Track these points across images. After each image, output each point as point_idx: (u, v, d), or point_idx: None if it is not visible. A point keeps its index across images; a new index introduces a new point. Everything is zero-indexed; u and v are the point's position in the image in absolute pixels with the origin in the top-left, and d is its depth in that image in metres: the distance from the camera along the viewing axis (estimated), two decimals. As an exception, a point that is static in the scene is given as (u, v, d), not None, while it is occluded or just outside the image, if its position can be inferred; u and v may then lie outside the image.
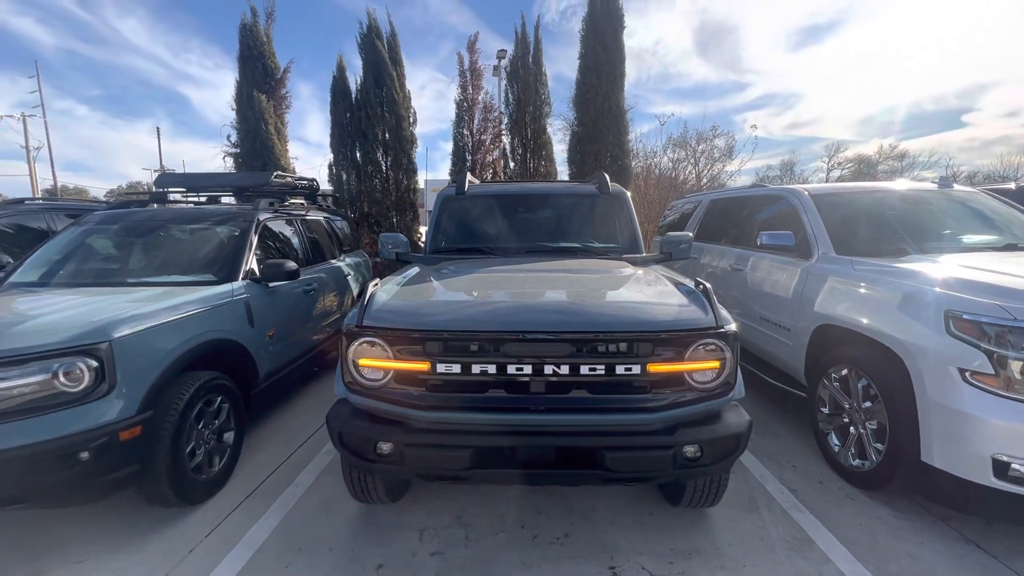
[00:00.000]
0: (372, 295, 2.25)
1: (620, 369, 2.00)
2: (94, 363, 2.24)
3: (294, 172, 8.09)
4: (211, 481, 2.85)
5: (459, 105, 8.58)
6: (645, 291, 2.43)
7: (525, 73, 8.10)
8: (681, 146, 14.02)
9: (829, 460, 3.17)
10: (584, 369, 1.99)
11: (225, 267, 3.42)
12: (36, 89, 30.70)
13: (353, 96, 8.32)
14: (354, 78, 8.35)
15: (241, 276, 3.40)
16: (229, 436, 3.07)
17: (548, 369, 2.00)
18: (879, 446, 2.76)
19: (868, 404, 2.87)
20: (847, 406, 3.05)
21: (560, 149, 9.41)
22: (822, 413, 3.25)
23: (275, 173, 4.57)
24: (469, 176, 3.95)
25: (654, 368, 2.00)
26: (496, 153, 8.86)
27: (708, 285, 2.24)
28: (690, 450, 2.05)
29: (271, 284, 3.65)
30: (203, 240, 3.70)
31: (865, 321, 2.88)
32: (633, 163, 9.73)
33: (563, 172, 8.64)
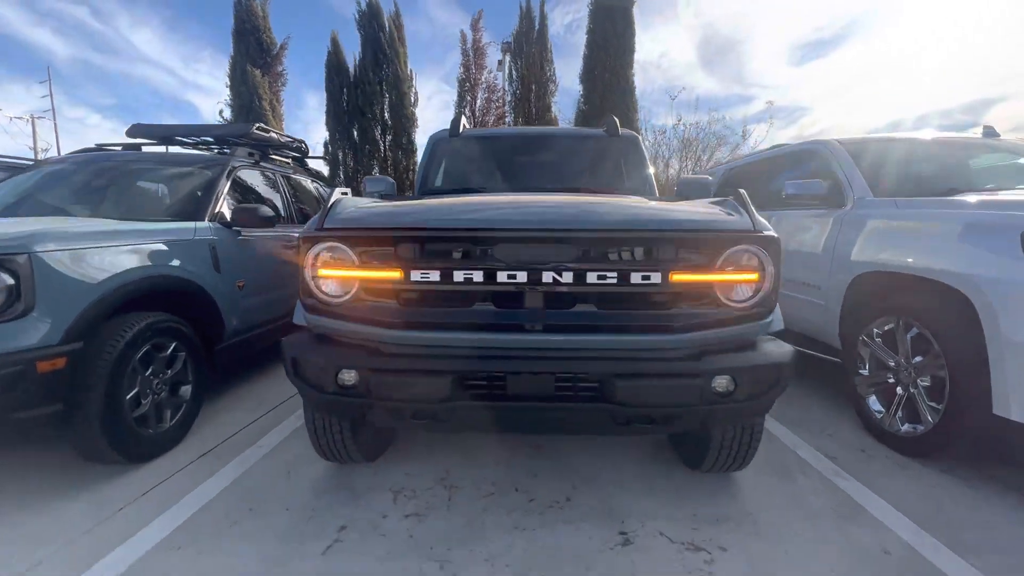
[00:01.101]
0: (337, 200, 1.89)
1: (636, 278, 1.62)
2: (8, 278, 1.89)
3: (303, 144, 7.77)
4: (161, 437, 2.48)
5: (461, 84, 8.30)
6: (667, 204, 2.05)
7: (529, 48, 7.81)
8: (688, 150, 13.75)
9: (871, 428, 2.76)
10: (592, 277, 1.62)
11: (189, 207, 3.08)
12: (47, 94, 30.90)
13: (351, 73, 8.05)
14: (352, 56, 8.10)
15: (208, 218, 3.06)
16: (185, 390, 2.69)
17: (547, 277, 1.62)
18: (935, 405, 2.36)
19: (919, 359, 2.47)
20: (892, 364, 2.65)
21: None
22: (861, 376, 2.85)
23: (256, 124, 4.24)
24: (465, 120, 3.60)
25: (677, 278, 1.62)
26: (499, 135, 8.54)
27: (742, 191, 1.87)
28: (721, 382, 1.66)
29: (244, 234, 3.30)
30: (170, 184, 3.36)
31: (917, 261, 2.49)
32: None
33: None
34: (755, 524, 1.92)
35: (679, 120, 12.45)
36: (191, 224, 2.88)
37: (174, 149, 4.26)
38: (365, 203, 1.99)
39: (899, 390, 2.60)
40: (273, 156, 4.49)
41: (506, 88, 8.35)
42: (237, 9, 8.14)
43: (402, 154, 8.12)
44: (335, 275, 1.73)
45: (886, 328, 2.70)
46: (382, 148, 8.13)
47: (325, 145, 8.13)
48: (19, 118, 31.71)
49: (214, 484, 2.20)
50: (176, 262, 2.64)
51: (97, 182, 3.30)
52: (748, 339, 1.74)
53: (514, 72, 8.14)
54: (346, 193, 2.03)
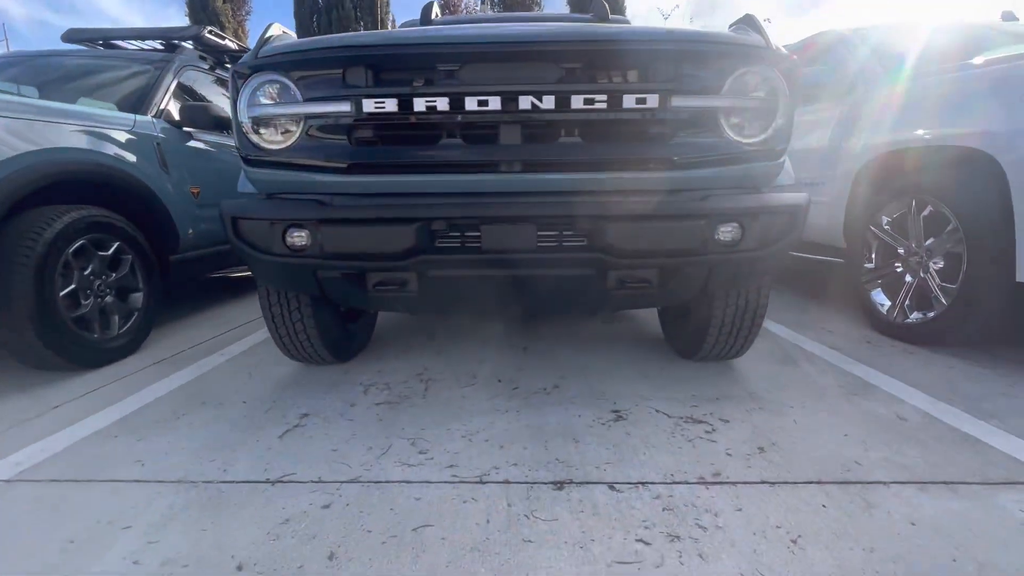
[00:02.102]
0: (274, 34, 1.59)
1: (629, 101, 1.37)
2: None
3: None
4: (110, 344, 2.25)
5: None
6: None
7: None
8: None
9: (876, 323, 2.60)
10: (577, 102, 1.36)
11: (130, 101, 2.74)
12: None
13: (320, -2, 7.44)
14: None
15: (151, 113, 2.73)
16: (137, 298, 2.45)
17: (524, 102, 1.36)
18: (949, 286, 2.19)
19: (931, 240, 2.29)
20: (902, 251, 2.46)
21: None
22: (866, 270, 2.67)
23: (208, 28, 3.82)
24: (437, 8, 3.23)
25: (678, 102, 1.38)
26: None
27: (752, 14, 1.60)
28: (726, 231, 1.45)
29: (196, 137, 2.98)
30: (110, 81, 2.99)
31: (935, 131, 2.26)
32: None
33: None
34: (759, 401, 1.76)
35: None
36: (130, 116, 2.56)
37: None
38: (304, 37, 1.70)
39: (908, 278, 2.43)
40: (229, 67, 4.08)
41: None
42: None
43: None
44: (275, 113, 1.45)
45: (895, 215, 2.51)
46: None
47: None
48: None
49: (164, 385, 2.00)
50: (110, 151, 2.34)
51: (25, 80, 2.93)
52: (756, 181, 1.52)
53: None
54: (286, 32, 1.73)
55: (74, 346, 2.07)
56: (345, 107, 1.39)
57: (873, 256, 2.65)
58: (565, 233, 1.44)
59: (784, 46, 3.90)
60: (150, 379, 2.07)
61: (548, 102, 1.36)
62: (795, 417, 1.63)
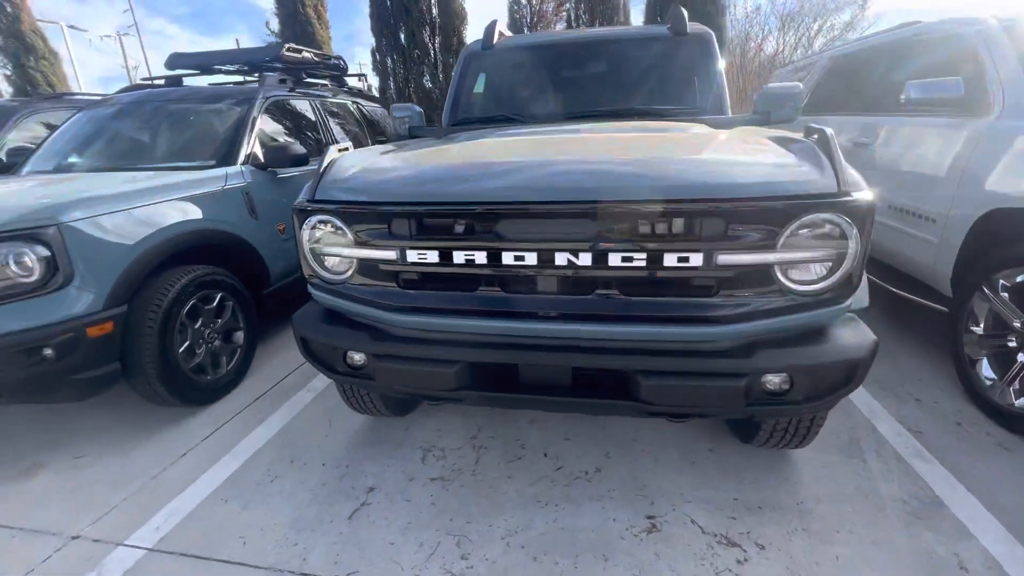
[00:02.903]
0: (332, 163, 1.68)
1: (670, 260, 1.31)
2: (43, 250, 1.94)
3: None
4: (220, 382, 2.66)
5: (514, -35, 7.22)
6: (723, 148, 1.63)
7: (594, -89, 6.49)
8: (790, 25, 11.42)
9: (975, 396, 2.33)
10: (614, 259, 1.33)
11: (222, 150, 3.01)
12: (128, 8, 31.70)
13: (393, -36, 7.26)
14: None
15: (240, 161, 2.98)
16: (238, 336, 2.83)
17: (560, 259, 1.36)
18: (1069, 382, 1.89)
19: (1059, 324, 1.96)
20: (1018, 325, 2.14)
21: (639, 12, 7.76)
22: (972, 334, 2.36)
23: (287, 45, 3.96)
24: (500, 27, 3.09)
25: (725, 259, 1.29)
26: (560, 26, 7.53)
27: (828, 131, 1.40)
28: (774, 380, 1.38)
29: (280, 173, 3.22)
30: (203, 122, 3.27)
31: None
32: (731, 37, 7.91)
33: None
34: (804, 517, 1.72)
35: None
36: (221, 171, 2.82)
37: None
38: (365, 159, 1.76)
39: (1021, 357, 2.13)
40: (308, 79, 4.25)
41: (566, -34, 7.15)
42: (271, -102, 7.42)
43: (453, 58, 7.46)
44: (330, 252, 1.58)
45: (1018, 279, 2.15)
46: (432, 52, 7.51)
47: (372, 52, 7.65)
48: (108, 36, 33.16)
49: (262, 433, 2.35)
50: (208, 215, 2.63)
51: (136, 126, 3.30)
52: (818, 324, 1.41)
53: (574, -57, 6.89)
54: (345, 149, 1.81)
55: (192, 391, 2.49)
56: (391, 254, 1.48)
57: (982, 320, 2.33)
58: (599, 378, 1.46)
59: (906, 27, 3.29)
60: (253, 422, 2.44)
61: (584, 259, 1.35)
62: (839, 550, 1.59)
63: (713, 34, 2.76)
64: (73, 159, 3.10)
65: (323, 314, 1.73)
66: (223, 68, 4.10)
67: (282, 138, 3.46)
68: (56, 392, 2.07)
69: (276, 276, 3.16)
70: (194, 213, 2.54)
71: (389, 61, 7.61)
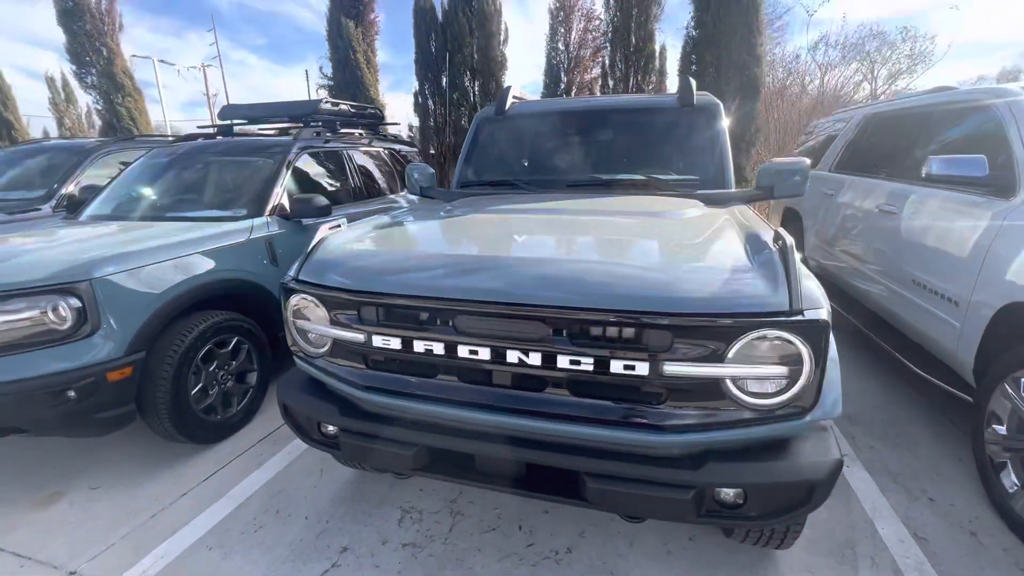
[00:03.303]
0: (320, 242, 1.80)
1: (616, 366, 1.32)
2: (76, 302, 2.17)
3: (383, 105, 7.85)
4: (230, 421, 2.82)
5: (553, 15, 7.46)
6: (688, 249, 1.63)
7: (630, -35, 6.66)
8: (854, 55, 11.13)
9: (996, 502, 2.14)
10: (562, 361, 1.36)
11: (252, 201, 3.26)
12: (214, 42, 35.04)
13: (439, 14, 7.70)
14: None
15: (268, 212, 3.22)
16: (251, 377, 3.00)
17: (512, 356, 1.40)
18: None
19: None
20: (1042, 431, 1.96)
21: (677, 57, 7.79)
22: (995, 433, 2.18)
23: (324, 99, 4.28)
24: (516, 92, 3.22)
25: (671, 370, 1.29)
26: (596, 71, 7.68)
27: (789, 240, 1.39)
28: (727, 494, 1.35)
29: (304, 221, 3.43)
30: (241, 173, 3.57)
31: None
32: (773, 75, 7.80)
33: (673, 89, 7.21)
34: (776, 631, 1.63)
35: (820, 38, 10.13)
36: (247, 223, 3.05)
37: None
38: (353, 239, 1.88)
39: (1045, 467, 1.95)
40: (344, 129, 4.54)
41: (602, 17, 7.33)
42: (332, -43, 8.09)
43: (491, 100, 7.75)
44: (309, 328, 1.68)
45: (1042, 381, 1.99)
46: (471, 95, 7.83)
47: (415, 95, 8.06)
48: (193, 67, 36.63)
49: (258, 477, 2.47)
50: (232, 264, 2.85)
51: (183, 175, 3.64)
52: (777, 437, 1.37)
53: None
54: (338, 226, 1.94)
55: (201, 431, 2.66)
56: (360, 337, 1.56)
57: (1006, 420, 2.15)
58: (549, 473, 1.46)
59: (941, 91, 3.16)
60: (251, 465, 2.57)
61: (534, 359, 1.38)
62: (806, 676, 1.49)
63: (720, 105, 2.77)
64: (123, 207, 3.44)
65: (305, 383, 1.83)
66: (269, 119, 4.46)
67: (309, 190, 3.70)
68: (77, 429, 2.28)
69: (293, 319, 3.34)
70: (218, 264, 2.76)
71: (430, 103, 7.99)
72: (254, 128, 4.72)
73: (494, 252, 1.62)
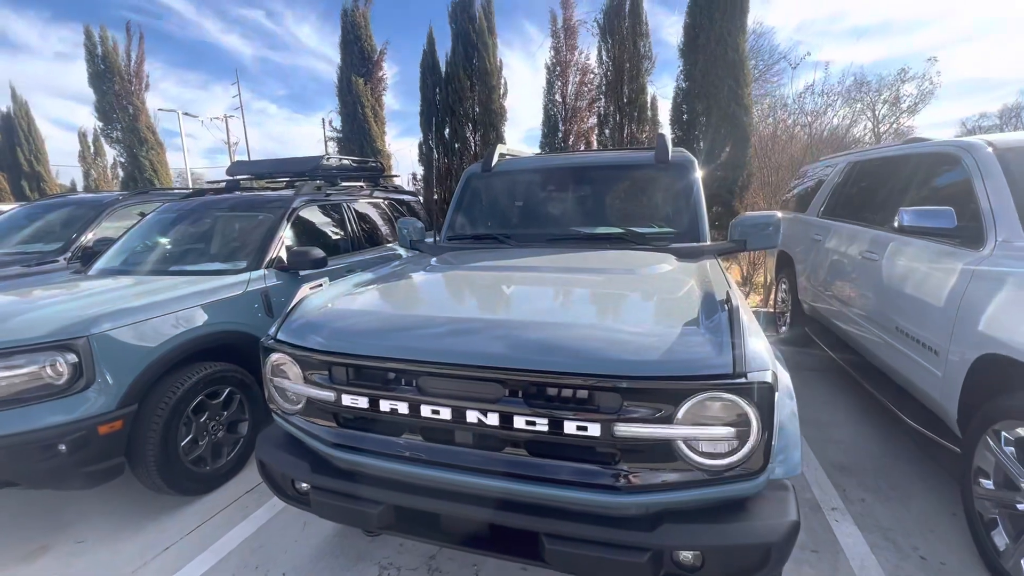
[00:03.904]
0: (300, 301, 1.90)
1: (570, 427, 1.36)
2: (73, 358, 2.27)
3: (389, 155, 8.18)
4: (218, 473, 2.85)
5: (550, 69, 7.85)
6: (647, 308, 1.70)
7: (620, 25, 7.04)
8: (855, 96, 11.45)
9: (988, 563, 2.08)
10: (519, 421, 1.40)
11: (253, 255, 3.40)
12: (237, 94, 37.09)
13: (442, 70, 8.13)
14: (444, 53, 8.17)
15: (266, 264, 3.35)
16: (243, 427, 3.05)
17: (472, 416, 1.44)
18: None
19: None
20: (1025, 486, 1.93)
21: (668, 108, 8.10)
22: (982, 488, 2.14)
23: (325, 155, 4.51)
24: (504, 149, 3.39)
25: (623, 431, 1.32)
26: (592, 120, 7.99)
27: (735, 303, 1.45)
28: (687, 556, 1.35)
29: (302, 273, 3.56)
30: (244, 227, 3.75)
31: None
32: (775, 116, 8.04)
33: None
34: None
35: (810, 85, 10.47)
36: (244, 276, 3.18)
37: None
38: (331, 297, 1.98)
39: (1032, 524, 1.90)
40: (345, 183, 4.76)
41: (595, 71, 7.70)
42: (343, 20, 8.67)
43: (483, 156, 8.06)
44: (285, 386, 1.75)
45: (1020, 432, 1.97)
46: (472, 145, 8.15)
47: (419, 145, 8.42)
48: (216, 118, 38.59)
49: (240, 531, 2.48)
50: (226, 316, 2.95)
51: (189, 230, 3.83)
52: (733, 497, 1.38)
53: (604, 53, 7.44)
54: (319, 286, 2.04)
55: (189, 482, 2.69)
56: (329, 395, 1.62)
57: (991, 474, 2.11)
58: (510, 533, 1.48)
59: (917, 143, 3.26)
60: (234, 518, 2.58)
61: (492, 419, 1.42)
62: None
63: (695, 161, 2.89)
64: (131, 260, 3.61)
65: (282, 439, 1.88)
66: (275, 174, 4.70)
67: (309, 241, 3.86)
68: (65, 482, 2.33)
69: (286, 368, 3.42)
70: (213, 317, 2.87)
71: (434, 153, 8.33)
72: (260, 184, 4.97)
73: (456, 314, 1.70)
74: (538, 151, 8.64)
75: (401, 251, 4.98)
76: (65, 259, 4.77)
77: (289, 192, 4.01)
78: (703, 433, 1.30)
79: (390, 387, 1.54)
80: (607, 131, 7.50)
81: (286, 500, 1.81)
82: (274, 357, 1.76)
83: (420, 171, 8.17)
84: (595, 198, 2.98)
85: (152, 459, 2.49)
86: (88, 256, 4.19)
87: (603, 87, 7.50)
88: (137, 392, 2.45)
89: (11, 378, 2.21)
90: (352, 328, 1.67)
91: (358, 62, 8.62)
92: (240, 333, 3.03)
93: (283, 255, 3.51)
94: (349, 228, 4.39)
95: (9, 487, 2.30)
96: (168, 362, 2.60)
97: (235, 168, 4.67)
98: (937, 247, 2.61)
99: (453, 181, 8.26)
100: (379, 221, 4.92)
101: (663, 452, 1.34)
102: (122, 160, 11.18)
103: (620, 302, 1.78)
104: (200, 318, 2.80)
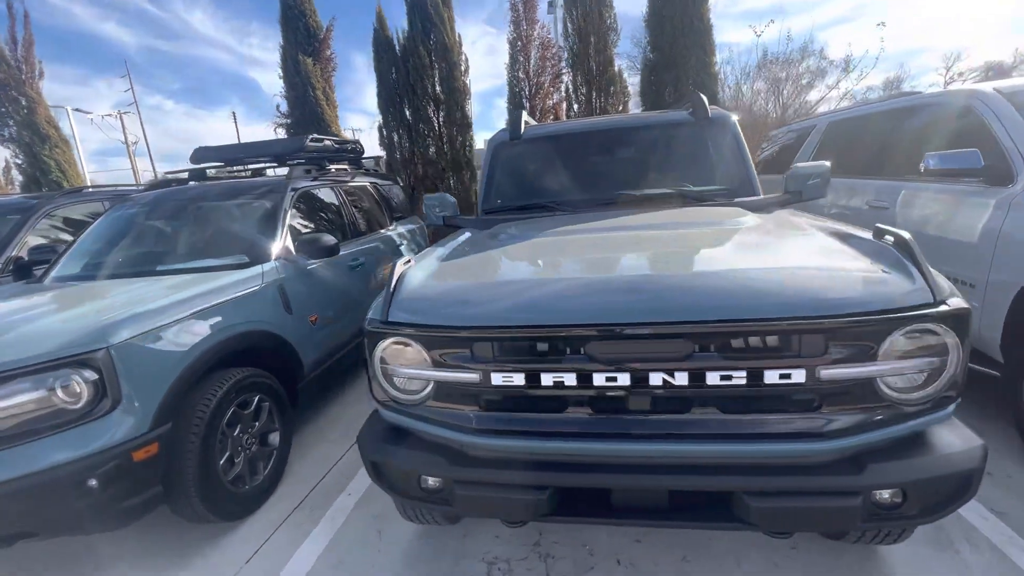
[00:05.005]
0: (402, 278, 1.67)
1: (771, 377, 1.28)
2: (92, 375, 1.88)
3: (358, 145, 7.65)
4: (257, 491, 2.52)
5: (512, 44, 7.64)
6: (796, 249, 1.64)
7: (585, -4, 6.98)
8: (764, 74, 12.09)
9: (1049, 468, 2.26)
10: (713, 378, 1.30)
11: (257, 246, 3.01)
12: (129, 88, 33.13)
13: (397, 48, 7.68)
14: (396, 31, 7.70)
15: (274, 255, 2.98)
16: (274, 438, 2.72)
17: (655, 378, 1.32)
18: None
19: None
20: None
21: (634, 82, 8.17)
22: (1034, 402, 2.32)
23: (310, 136, 4.10)
24: (526, 116, 3.21)
25: (828, 373, 1.26)
26: (557, 96, 7.90)
27: (906, 235, 1.42)
28: (886, 495, 1.32)
29: (310, 263, 3.22)
30: (234, 218, 3.31)
31: None
32: (721, 95, 8.30)
33: (636, 110, 7.54)
34: (916, 630, 1.60)
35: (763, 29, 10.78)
36: (258, 269, 2.81)
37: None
38: (433, 272, 1.76)
39: (1095, 429, 2.08)
40: (329, 166, 4.36)
41: (561, 44, 7.59)
42: (282, -7, 7.93)
43: (457, 130, 7.75)
44: (405, 374, 1.53)
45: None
46: (436, 125, 7.81)
47: (379, 129, 7.95)
48: (109, 115, 34.39)
49: (309, 549, 2.21)
50: (249, 315, 2.60)
51: (169, 225, 3.34)
52: (920, 435, 1.36)
53: (569, 25, 7.34)
54: (408, 262, 1.81)
55: (232, 505, 2.35)
56: (473, 377, 1.43)
57: (1042, 389, 2.29)
58: (699, 499, 1.39)
59: (908, 96, 3.45)
60: (296, 536, 2.29)
61: (680, 379, 1.31)
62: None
63: (733, 116, 2.88)
64: (107, 263, 3.09)
65: (390, 435, 1.66)
66: (248, 160, 4.21)
67: (312, 229, 3.49)
68: (98, 523, 1.94)
69: (309, 367, 3.09)
70: (237, 316, 2.50)
71: (395, 136, 7.89)
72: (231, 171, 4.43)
73: (614, 272, 1.55)
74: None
75: (396, 237, 4.68)
76: (-5, 273, 4.02)
77: (278, 178, 3.60)
78: (905, 366, 1.27)
79: (554, 358, 1.38)
80: (575, 106, 7.44)
81: (410, 501, 1.61)
82: (386, 343, 1.53)
83: (381, 155, 7.69)
84: (637, 160, 2.90)
85: (192, 484, 2.14)
86: (23, 268, 3.56)
87: (570, 59, 7.41)
88: (170, 408, 2.09)
89: (13, 408, 1.79)
90: (495, 298, 1.48)
91: (304, 40, 7.93)
92: (264, 333, 2.69)
93: (289, 245, 3.15)
94: (347, 213, 4.03)
95: (25, 539, 1.88)
96: (198, 370, 2.24)
97: (201, 154, 4.12)
98: (962, 188, 2.77)
99: (418, 166, 7.90)
100: (372, 205, 4.57)
101: (864, 391, 1.29)
102: (18, 161, 9.66)
103: (769, 248, 1.70)
104: (225, 318, 2.43)
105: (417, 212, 6.70)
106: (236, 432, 2.44)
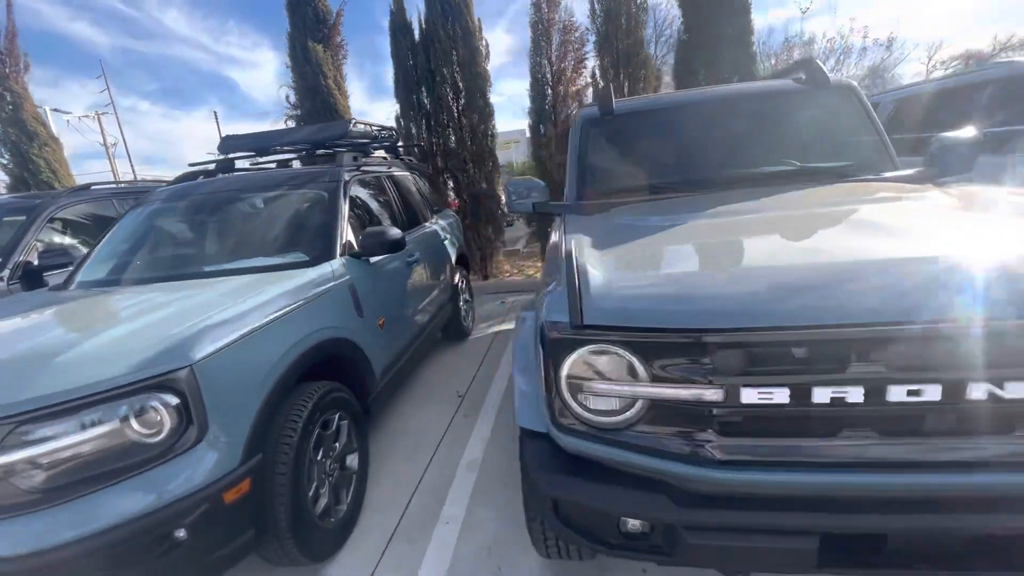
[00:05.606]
0: (584, 271, 1.32)
1: None
2: (173, 399, 1.52)
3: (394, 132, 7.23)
4: (341, 524, 2.17)
5: (534, 27, 7.26)
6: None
7: (613, -27, 6.62)
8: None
9: None
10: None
11: (318, 242, 2.65)
12: (104, 88, 31.95)
13: (416, 33, 7.26)
14: (416, 13, 7.28)
15: (338, 252, 2.62)
16: (353, 460, 2.37)
17: (978, 391, 1.01)
18: None
19: None
20: None
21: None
22: None
23: (353, 120, 3.72)
24: (613, 90, 2.87)
25: None
26: (581, 82, 7.53)
27: None
28: None
29: (372, 259, 2.85)
30: (285, 211, 2.94)
31: None
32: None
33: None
34: None
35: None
36: (327, 268, 2.44)
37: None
38: (618, 264, 1.42)
39: None
40: (371, 154, 3.99)
41: (588, 27, 7.22)
42: (289, -25, 7.45)
43: (479, 118, 7.36)
44: (608, 391, 1.20)
45: None
46: (455, 113, 7.42)
47: (397, 119, 7.52)
48: (86, 116, 33.17)
49: (424, 595, 1.87)
50: (327, 319, 2.24)
51: (211, 220, 2.95)
52: None
53: (596, 6, 6.97)
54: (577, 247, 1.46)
55: (322, 543, 2.01)
56: (714, 394, 1.11)
57: None
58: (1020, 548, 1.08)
59: (994, 66, 3.19)
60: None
61: (1014, 389, 1.00)
62: None
63: (855, 84, 2.57)
64: (142, 265, 2.71)
65: (568, 462, 1.33)
66: (284, 147, 3.81)
67: (371, 222, 3.14)
68: (184, 581, 1.58)
69: (379, 376, 2.74)
70: (316, 322, 2.15)
71: (412, 127, 7.49)
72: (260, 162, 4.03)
73: (885, 257, 1.22)
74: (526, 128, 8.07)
75: (439, 230, 4.31)
76: (3, 279, 3.59)
77: (330, 166, 3.21)
78: None
79: (833, 366, 1.06)
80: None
81: (608, 551, 1.27)
82: (581, 352, 1.20)
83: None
84: (753, 136, 2.57)
85: (285, 523, 1.79)
86: (33, 274, 3.15)
87: (597, 42, 7.05)
88: (259, 436, 1.74)
89: (78, 446, 1.43)
90: (740, 293, 1.14)
91: (312, 26, 7.46)
92: (342, 340, 2.33)
93: (351, 239, 2.78)
94: (396, 205, 3.66)
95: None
96: (284, 387, 1.89)
97: (229, 144, 3.72)
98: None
99: (437, 156, 7.51)
100: (415, 196, 4.19)
101: None
102: (3, 161, 9.06)
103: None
104: (305, 324, 2.08)
105: (448, 205, 6.35)
106: (320, 457, 2.09)
